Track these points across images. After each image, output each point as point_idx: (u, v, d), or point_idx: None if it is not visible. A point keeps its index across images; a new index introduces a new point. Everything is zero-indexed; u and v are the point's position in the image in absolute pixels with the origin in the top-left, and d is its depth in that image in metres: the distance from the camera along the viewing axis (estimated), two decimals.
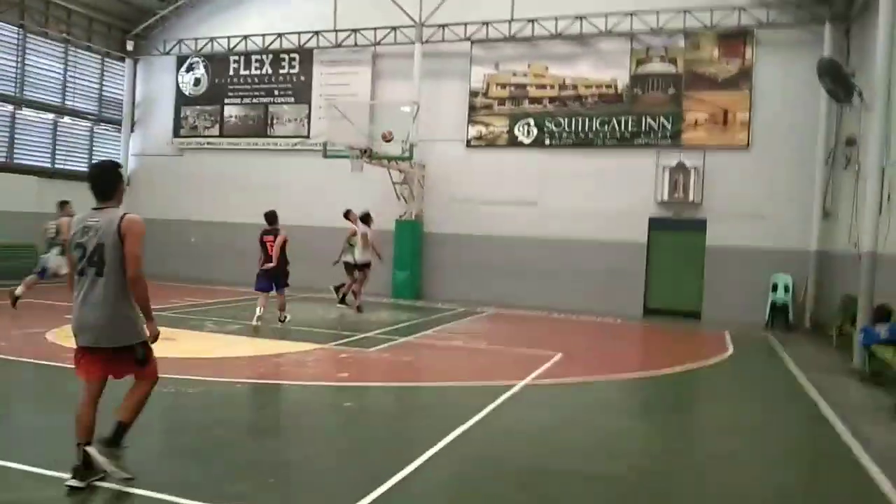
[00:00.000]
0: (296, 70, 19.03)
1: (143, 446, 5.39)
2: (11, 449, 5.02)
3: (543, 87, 16.68)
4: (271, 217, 11.36)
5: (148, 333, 4.53)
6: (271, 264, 11.06)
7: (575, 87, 16.42)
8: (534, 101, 16.75)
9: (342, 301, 14.01)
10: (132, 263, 4.39)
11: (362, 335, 10.97)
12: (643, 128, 15.89)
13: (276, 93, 19.25)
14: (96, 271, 4.38)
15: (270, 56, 19.23)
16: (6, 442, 5.31)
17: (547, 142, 16.65)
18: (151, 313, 4.55)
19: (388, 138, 14.55)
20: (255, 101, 19.48)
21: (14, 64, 17.75)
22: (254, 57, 19.41)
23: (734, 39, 15.37)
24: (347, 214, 14.32)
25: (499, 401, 7.07)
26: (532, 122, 16.74)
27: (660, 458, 5.85)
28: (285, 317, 11.40)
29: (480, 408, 6.70)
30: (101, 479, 4.34)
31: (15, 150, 17.95)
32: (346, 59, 18.38)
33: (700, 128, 15.54)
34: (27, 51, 18.01)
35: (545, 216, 16.44)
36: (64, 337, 9.42)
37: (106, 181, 4.74)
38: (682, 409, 7.96)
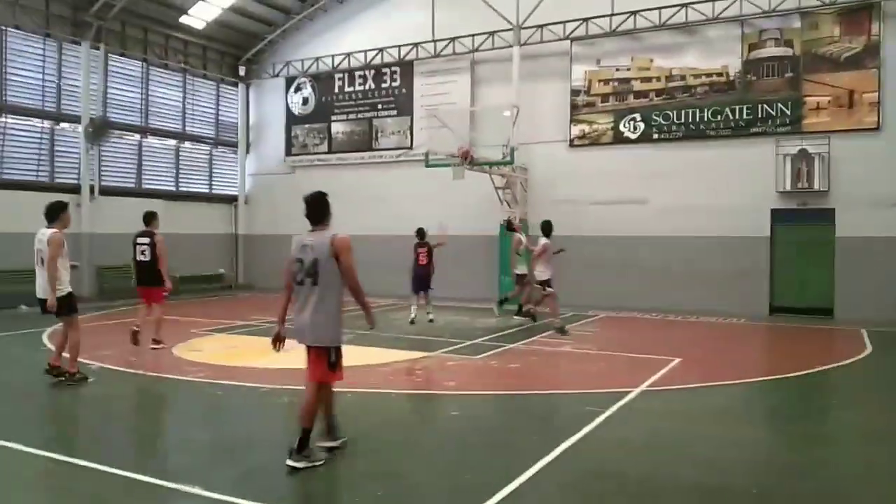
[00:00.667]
0: (397, 83, 19.34)
1: (257, 456, 5.53)
2: (144, 461, 5.25)
3: (649, 80, 16.07)
4: (421, 233, 13.43)
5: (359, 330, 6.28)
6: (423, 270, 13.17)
7: (683, 77, 15.71)
8: (639, 95, 16.17)
9: (521, 313, 13.54)
10: (350, 274, 5.29)
11: (470, 342, 10.89)
12: (759, 115, 14.96)
13: (379, 106, 19.63)
14: (312, 281, 5.19)
15: (373, 71, 19.65)
16: (139, 454, 5.57)
17: (655, 136, 16.01)
18: (370, 309, 5.73)
19: (464, 155, 14.37)
20: (359, 116, 19.95)
21: (139, 95, 19.07)
22: (357, 73, 19.90)
23: (857, 15, 14.19)
24: (511, 225, 14.52)
25: (612, 409, 6.76)
26: (638, 116, 16.16)
27: (789, 471, 5.36)
28: (432, 317, 13.16)
29: (593, 416, 6.43)
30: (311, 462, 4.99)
31: (143, 176, 19.25)
32: (446, 68, 18.49)
33: (823, 112, 14.44)
34: (150, 82, 19.31)
35: (657, 213, 15.79)
36: (187, 351, 9.94)
37: (319, 209, 5.57)
38: (815, 416, 7.31)
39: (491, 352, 10.08)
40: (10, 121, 15.98)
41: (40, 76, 16.62)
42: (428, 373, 8.83)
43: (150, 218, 10.51)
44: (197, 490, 4.54)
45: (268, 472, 5.17)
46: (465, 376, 8.58)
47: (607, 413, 6.61)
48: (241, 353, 9.95)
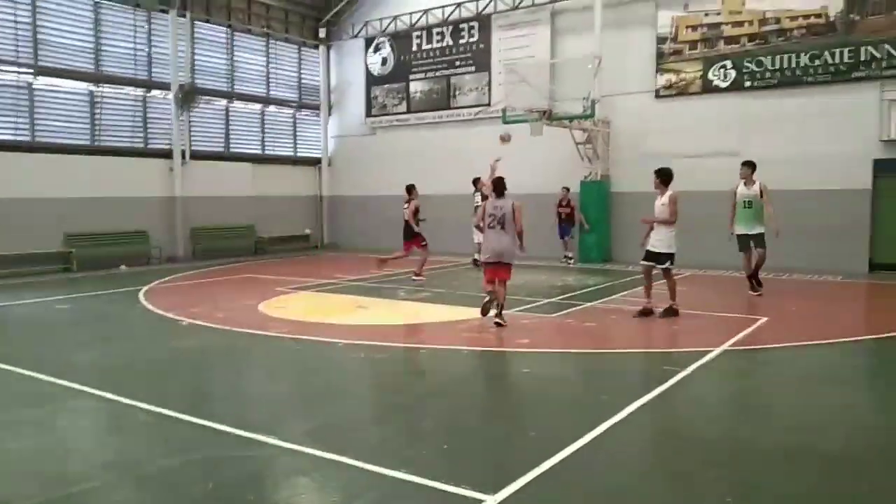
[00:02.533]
0: (475, 38, 19.02)
1: (332, 409, 5.70)
2: (228, 412, 5.51)
3: (740, 24, 15.12)
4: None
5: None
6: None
7: (777, 20, 14.69)
8: (730, 40, 15.26)
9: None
10: (520, 223, 8.75)
11: (546, 300, 10.79)
12: (863, 58, 13.84)
13: (457, 63, 19.41)
14: (501, 227, 8.68)
15: (450, 27, 19.39)
16: (223, 405, 5.85)
17: (747, 84, 15.12)
18: (524, 244, 8.91)
19: (505, 140, 13.89)
20: (437, 73, 19.80)
21: (225, 61, 19.59)
22: (434, 30, 19.70)
23: None
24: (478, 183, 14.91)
25: (691, 368, 6.55)
26: (729, 64, 15.29)
27: (879, 435, 5.05)
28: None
29: (670, 375, 6.25)
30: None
31: (231, 140, 19.89)
32: (524, 20, 18.01)
33: None
34: (235, 48, 19.79)
35: None
36: (273, 308, 10.30)
37: (503, 187, 9.01)
38: None
39: (567, 310, 9.94)
40: (105, 90, 16.76)
41: (132, 46, 17.30)
42: (502, 330, 8.81)
43: (409, 189, 13.87)
44: (273, 440, 4.72)
45: (339, 424, 5.31)
46: (538, 334, 8.51)
47: (685, 372, 6.41)
48: (323, 310, 10.23)
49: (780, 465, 4.35)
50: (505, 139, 13.81)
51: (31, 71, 15.23)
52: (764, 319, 8.96)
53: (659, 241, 9.22)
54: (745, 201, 11.03)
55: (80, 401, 5.80)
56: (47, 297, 11.70)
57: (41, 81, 15.47)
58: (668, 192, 9.24)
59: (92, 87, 16.48)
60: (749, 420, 5.33)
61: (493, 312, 8.71)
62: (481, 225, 8.96)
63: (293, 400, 6.07)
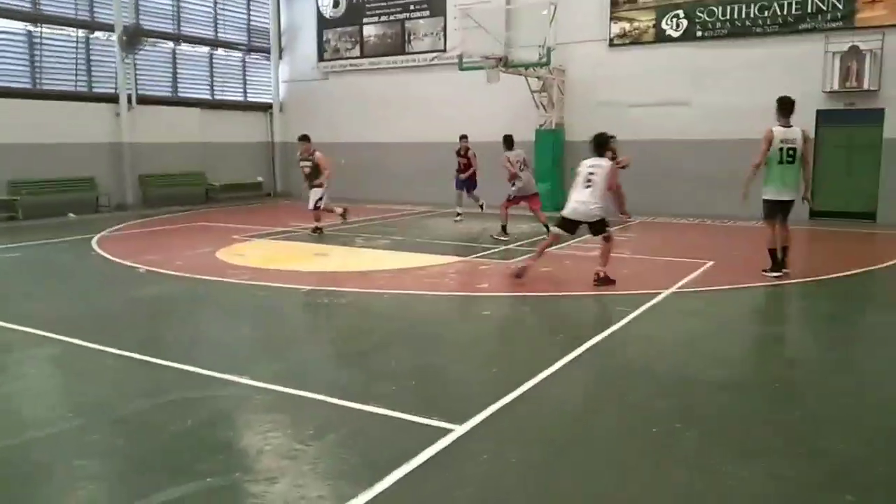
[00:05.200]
0: None
1: (300, 351, 5.86)
2: (196, 355, 5.60)
3: None
4: (463, 137, 14.67)
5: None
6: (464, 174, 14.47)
7: None
8: None
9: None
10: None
11: (504, 248, 11.04)
12: (809, 10, 14.21)
13: (411, 7, 19.12)
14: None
15: None
16: (191, 349, 5.93)
17: (699, 34, 15.38)
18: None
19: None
20: (392, 18, 19.49)
21: (171, 1, 18.86)
22: None
23: None
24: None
25: (640, 309, 6.90)
26: (681, 13, 15.49)
27: (814, 368, 5.48)
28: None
29: (620, 316, 6.59)
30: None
31: (178, 85, 19.32)
32: None
33: (879, 5, 13.64)
34: None
35: (698, 116, 15.35)
36: (232, 255, 10.30)
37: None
38: (848, 317, 7.35)
39: (524, 256, 10.21)
40: (45, 30, 16.03)
41: None
42: (462, 276, 9.03)
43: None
44: (245, 380, 4.86)
45: (308, 365, 5.48)
46: (497, 279, 8.76)
47: (635, 313, 6.75)
48: (282, 258, 10.27)
49: (721, 395, 4.72)
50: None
51: None
52: (710, 263, 9.39)
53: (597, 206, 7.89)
54: (787, 149, 8.19)
55: (46, 348, 5.81)
56: None
57: None
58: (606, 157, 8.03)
59: (30, 28, 15.74)
60: (693, 355, 5.69)
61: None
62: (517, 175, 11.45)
63: (260, 343, 6.20)
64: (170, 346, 5.98)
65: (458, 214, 14.54)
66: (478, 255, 10.29)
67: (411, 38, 19.24)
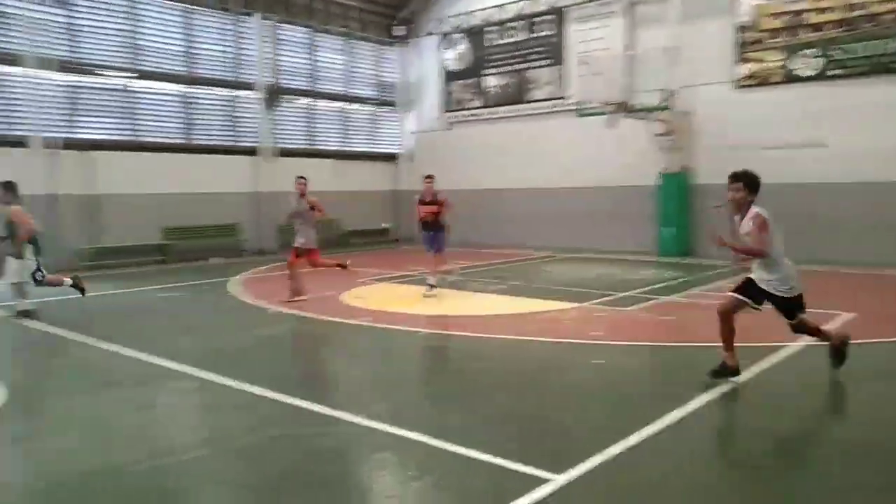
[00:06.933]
0: (550, 32, 19.02)
1: (409, 392, 6.01)
2: (313, 392, 5.89)
3: (825, 10, 14.55)
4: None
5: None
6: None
7: (864, 5, 14.06)
8: (815, 27, 14.72)
9: None
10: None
11: (623, 294, 10.80)
12: None
13: (531, 57, 19.45)
14: None
15: (524, 21, 19.45)
16: (308, 386, 6.25)
17: (834, 72, 14.56)
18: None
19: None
20: (512, 68, 19.90)
21: (307, 61, 20.31)
22: (509, 24, 19.80)
23: None
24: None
25: (766, 362, 6.52)
26: (815, 51, 14.75)
27: None
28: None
29: (743, 368, 6.24)
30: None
31: (314, 137, 20.63)
32: (599, 12, 17.86)
33: None
34: (316, 48, 20.50)
35: (839, 158, 14.36)
36: (354, 297, 10.74)
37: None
38: None
39: (643, 304, 9.94)
40: (197, 91, 17.71)
41: (221, 48, 18.21)
42: (576, 323, 8.92)
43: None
44: (356, 418, 5.05)
45: (415, 406, 5.62)
46: (613, 327, 8.58)
47: (760, 367, 6.39)
48: (398, 301, 10.58)
49: (846, 459, 4.35)
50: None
51: (133, 75, 16.29)
52: (852, 315, 8.72)
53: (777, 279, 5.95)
54: None
55: (180, 381, 6.32)
56: (148, 286, 12.57)
57: (140, 84, 16.52)
58: (755, 210, 5.98)
59: (186, 89, 17.46)
60: (818, 414, 5.30)
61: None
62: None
63: (372, 384, 6.41)
64: (289, 383, 6.30)
65: (431, 286, 11.01)
66: (594, 301, 10.12)
67: (531, 86, 19.53)
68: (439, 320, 9.27)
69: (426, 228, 11.28)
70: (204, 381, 6.23)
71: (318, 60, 20.58)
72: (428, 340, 7.96)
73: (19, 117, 14.74)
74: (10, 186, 9.46)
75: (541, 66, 19.25)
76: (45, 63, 14.70)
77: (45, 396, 6.10)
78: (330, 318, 9.10)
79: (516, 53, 19.75)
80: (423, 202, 11.25)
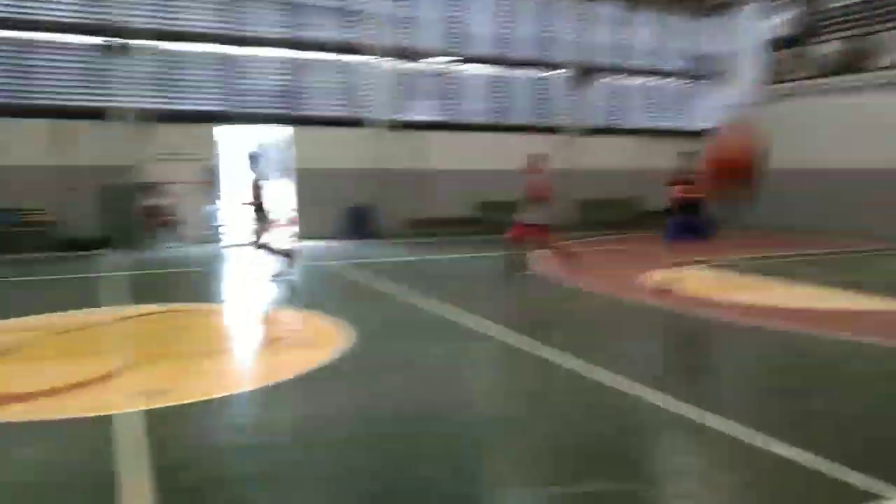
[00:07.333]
0: None
1: (736, 382, 5.75)
2: (617, 366, 5.89)
3: None
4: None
5: None
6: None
7: None
8: None
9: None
10: None
11: None
12: None
13: (878, 19, 16.81)
14: None
15: None
16: (614, 359, 6.25)
17: None
18: None
19: None
20: (853, 32, 17.41)
21: (615, 38, 20.19)
22: None
23: None
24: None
25: None
26: None
27: None
28: None
29: None
30: None
31: (618, 115, 20.51)
32: None
33: None
34: (624, 24, 20.38)
35: None
36: (663, 281, 10.39)
37: None
38: None
39: None
40: (514, 73, 18.72)
41: (532, 31, 18.98)
42: None
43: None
44: (657, 397, 4.94)
45: (722, 394, 5.30)
46: None
47: None
48: (706, 287, 9.87)
49: None
50: None
51: (458, 59, 17.87)
52: None
53: None
54: None
55: (482, 341, 6.82)
56: (464, 254, 13.93)
57: (461, 68, 18.02)
58: None
59: (500, 71, 18.56)
60: None
61: None
62: None
63: (680, 367, 6.20)
64: (594, 353, 6.26)
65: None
66: None
67: (879, 53, 16.87)
68: (756, 310, 8.37)
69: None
70: (505, 344, 6.61)
71: (626, 37, 20.27)
72: (738, 330, 7.38)
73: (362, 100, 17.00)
74: (255, 158, 10.08)
75: (892, 29, 16.52)
76: (383, 51, 16.83)
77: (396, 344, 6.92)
78: (631, 299, 8.99)
79: (860, 14, 17.21)
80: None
